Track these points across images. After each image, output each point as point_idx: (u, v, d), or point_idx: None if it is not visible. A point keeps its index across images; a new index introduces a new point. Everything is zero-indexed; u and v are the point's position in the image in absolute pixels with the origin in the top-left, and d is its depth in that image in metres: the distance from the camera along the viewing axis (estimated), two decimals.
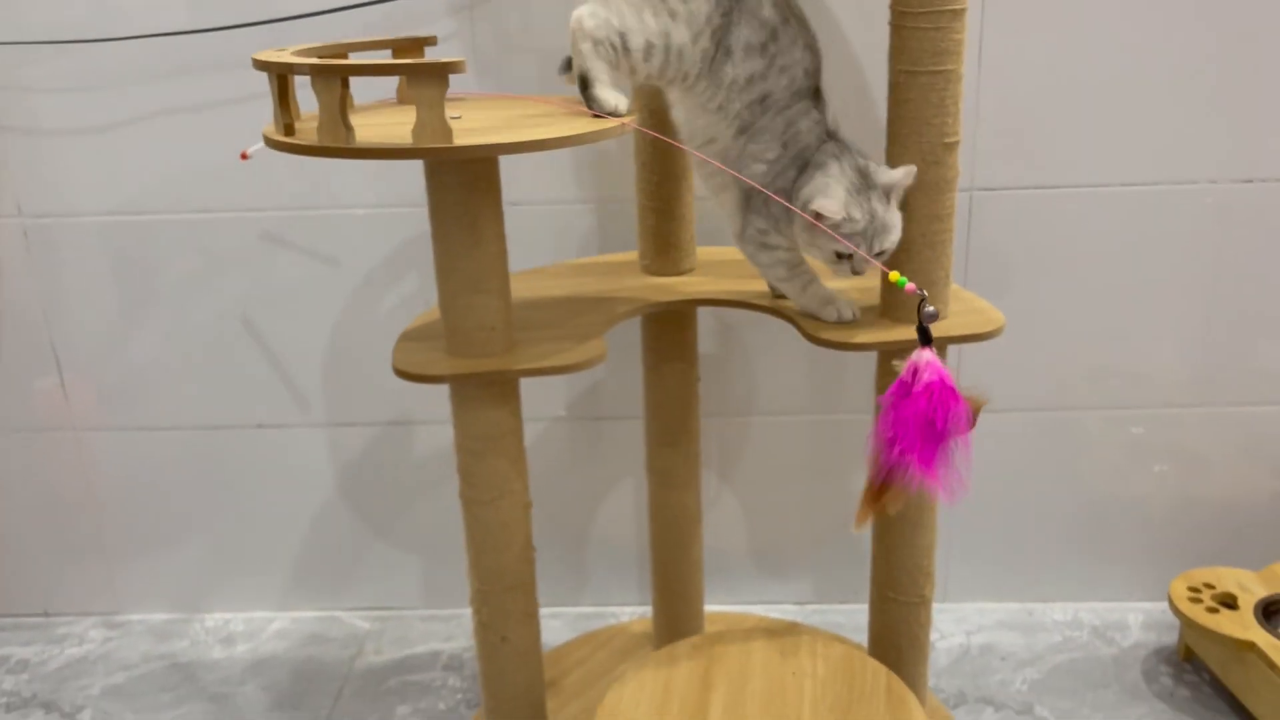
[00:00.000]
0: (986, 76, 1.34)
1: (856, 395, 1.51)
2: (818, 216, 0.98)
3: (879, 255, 1.02)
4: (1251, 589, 1.40)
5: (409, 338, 1.10)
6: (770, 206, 1.04)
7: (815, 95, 1.04)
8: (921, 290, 0.83)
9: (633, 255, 1.32)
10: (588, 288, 1.22)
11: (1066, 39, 1.32)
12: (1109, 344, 1.46)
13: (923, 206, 1.03)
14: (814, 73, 1.04)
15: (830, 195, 0.98)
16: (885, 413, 0.85)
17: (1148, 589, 1.58)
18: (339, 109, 0.86)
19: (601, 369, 1.51)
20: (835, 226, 0.99)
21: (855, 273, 1.03)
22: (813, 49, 1.03)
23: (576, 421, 1.54)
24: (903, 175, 1.00)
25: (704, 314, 1.43)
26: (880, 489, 0.88)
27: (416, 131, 0.86)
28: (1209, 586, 1.42)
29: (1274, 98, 1.34)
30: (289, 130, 0.92)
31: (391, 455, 1.57)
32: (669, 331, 1.28)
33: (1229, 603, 1.39)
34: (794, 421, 1.53)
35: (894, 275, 0.86)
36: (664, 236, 1.23)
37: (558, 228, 1.43)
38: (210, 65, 1.37)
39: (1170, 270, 1.42)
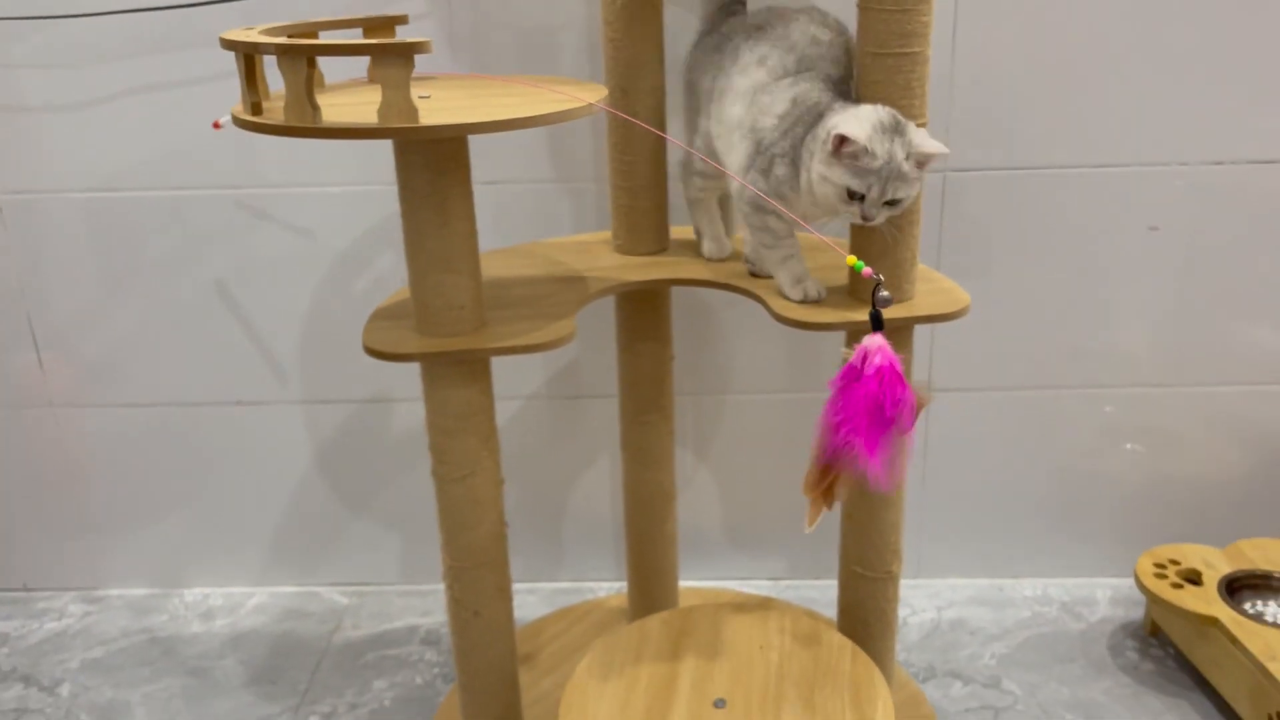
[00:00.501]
0: (960, 57, 1.34)
1: (831, 374, 1.51)
2: (842, 143, 0.97)
3: (891, 204, 1.00)
4: (1216, 565, 1.43)
5: (380, 316, 1.11)
6: (774, 168, 1.05)
7: (835, 82, 1.06)
8: (877, 275, 0.84)
9: (605, 235, 1.32)
10: (560, 267, 1.23)
11: (1040, 21, 1.33)
12: (1081, 324, 1.48)
13: None
14: (831, 46, 1.06)
15: (856, 122, 0.97)
16: (834, 397, 0.86)
17: (1116, 565, 1.60)
18: (305, 89, 0.86)
19: (578, 347, 1.52)
20: (854, 157, 0.97)
21: (864, 218, 0.99)
22: (830, 29, 1.07)
23: (553, 399, 1.55)
24: (936, 148, 0.98)
25: (679, 293, 1.44)
26: (823, 474, 0.90)
27: (382, 111, 0.86)
28: (1174, 563, 1.44)
29: (1245, 81, 1.35)
30: (256, 109, 0.92)
31: (369, 432, 1.58)
32: (643, 311, 1.29)
33: (1194, 579, 1.41)
34: (769, 400, 1.54)
35: (850, 259, 0.87)
36: (637, 216, 1.24)
37: (530, 207, 1.44)
38: (189, 41, 1.36)
39: (1141, 251, 1.44)
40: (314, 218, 1.46)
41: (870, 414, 0.84)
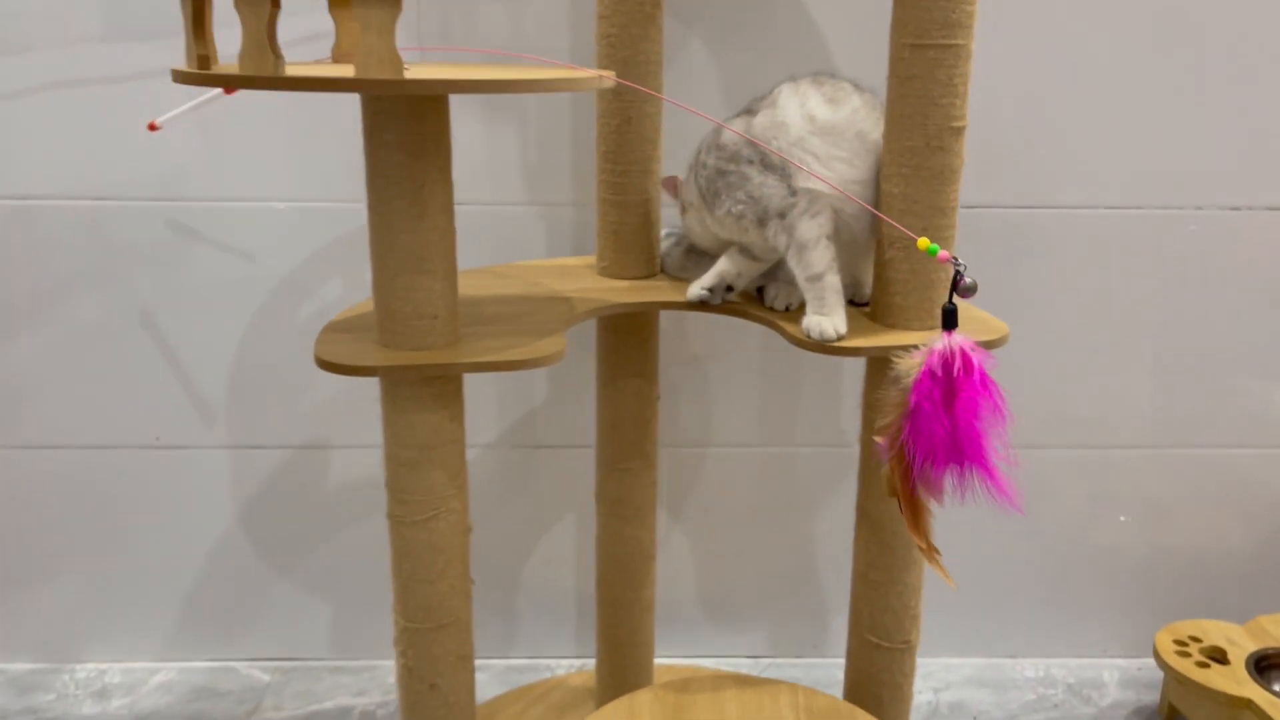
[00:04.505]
0: (971, 93, 1.25)
1: (817, 426, 1.39)
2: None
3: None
4: (1240, 643, 1.31)
5: (335, 328, 0.95)
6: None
7: None
8: (957, 260, 0.72)
9: (589, 259, 1.19)
10: (540, 288, 1.08)
11: (1052, 56, 1.25)
12: (1080, 378, 1.38)
13: (925, 198, 0.93)
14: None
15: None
16: (927, 415, 0.72)
17: (1123, 644, 1.48)
18: (266, 32, 0.72)
19: (542, 390, 1.37)
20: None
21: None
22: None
23: (513, 449, 1.39)
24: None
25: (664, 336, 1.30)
26: (920, 511, 0.76)
27: (361, 60, 0.72)
28: (1195, 640, 1.32)
29: (1265, 125, 1.28)
30: (203, 63, 0.78)
31: (302, 483, 1.39)
32: (628, 343, 1.15)
33: (1218, 657, 1.29)
34: (753, 454, 1.40)
35: (923, 242, 0.75)
36: (626, 235, 1.11)
37: (501, 232, 1.30)
38: (114, 33, 1.21)
39: (1148, 299, 1.35)
40: (254, 237, 1.30)
41: (985, 426, 0.70)
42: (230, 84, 0.74)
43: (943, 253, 0.73)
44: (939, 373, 0.71)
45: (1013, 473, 0.73)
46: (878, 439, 0.77)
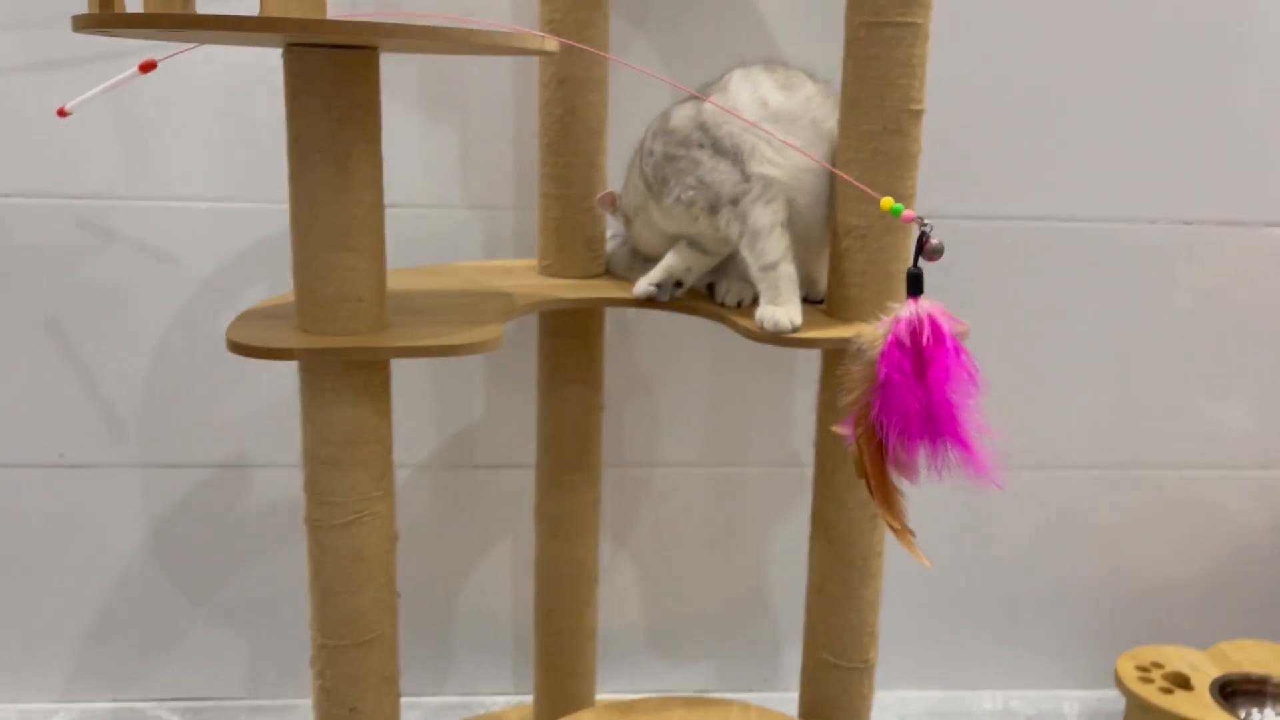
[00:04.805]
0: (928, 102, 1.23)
1: (767, 444, 1.33)
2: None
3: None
4: (1202, 668, 1.27)
5: (252, 315, 0.88)
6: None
7: None
8: (923, 220, 0.67)
9: (530, 261, 1.13)
10: (477, 285, 1.02)
11: (1002, 66, 1.23)
12: (1032, 396, 1.34)
13: (882, 185, 0.89)
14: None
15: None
16: (903, 385, 0.66)
17: (1082, 674, 1.43)
18: None
19: (479, 407, 1.29)
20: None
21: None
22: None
23: (446, 470, 1.32)
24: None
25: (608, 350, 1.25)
26: (893, 492, 0.70)
27: (280, 1, 0.66)
28: (1157, 666, 1.27)
29: (1215, 141, 1.27)
30: (106, 5, 0.71)
31: (221, 506, 1.30)
32: (571, 347, 1.09)
33: (1181, 683, 1.24)
34: (702, 474, 1.34)
35: (886, 201, 0.70)
36: (569, 232, 1.05)
37: (438, 235, 1.24)
38: (22, 17, 1.14)
39: (1100, 315, 1.32)
40: (173, 238, 1.22)
41: (959, 398, 0.66)
42: (135, 24, 0.67)
43: (907, 212, 0.69)
44: (907, 342, 0.66)
45: (989, 444, 0.68)
46: (842, 421, 0.72)
